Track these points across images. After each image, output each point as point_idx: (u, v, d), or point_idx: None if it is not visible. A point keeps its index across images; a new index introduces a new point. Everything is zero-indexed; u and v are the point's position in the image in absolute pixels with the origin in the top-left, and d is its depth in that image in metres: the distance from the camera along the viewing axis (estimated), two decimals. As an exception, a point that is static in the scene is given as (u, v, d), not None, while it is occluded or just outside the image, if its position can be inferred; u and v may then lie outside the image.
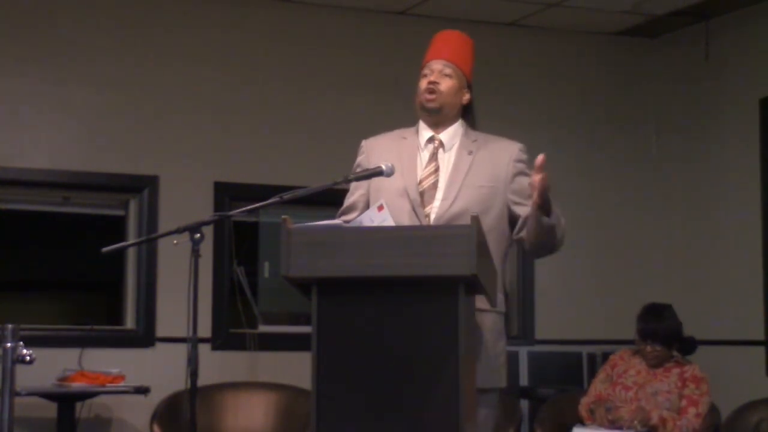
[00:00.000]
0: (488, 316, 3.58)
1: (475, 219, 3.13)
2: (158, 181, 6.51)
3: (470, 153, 3.71)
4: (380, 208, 3.61)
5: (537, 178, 3.39)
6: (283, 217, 3.21)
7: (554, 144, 7.37)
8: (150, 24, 6.60)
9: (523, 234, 3.65)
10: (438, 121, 3.75)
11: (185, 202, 6.46)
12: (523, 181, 3.67)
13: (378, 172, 3.57)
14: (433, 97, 3.71)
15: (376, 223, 3.56)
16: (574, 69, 7.49)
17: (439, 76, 3.72)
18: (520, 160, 3.74)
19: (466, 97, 3.80)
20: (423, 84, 3.74)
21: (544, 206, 3.47)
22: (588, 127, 7.48)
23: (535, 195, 3.43)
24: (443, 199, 3.64)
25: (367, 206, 3.73)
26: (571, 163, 7.38)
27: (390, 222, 3.57)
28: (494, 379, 3.61)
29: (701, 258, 7.18)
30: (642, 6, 6.90)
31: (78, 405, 5.93)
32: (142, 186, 6.49)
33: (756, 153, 6.80)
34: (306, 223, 3.29)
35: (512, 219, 3.70)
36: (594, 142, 7.47)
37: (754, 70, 6.91)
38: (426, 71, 3.76)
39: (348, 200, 3.81)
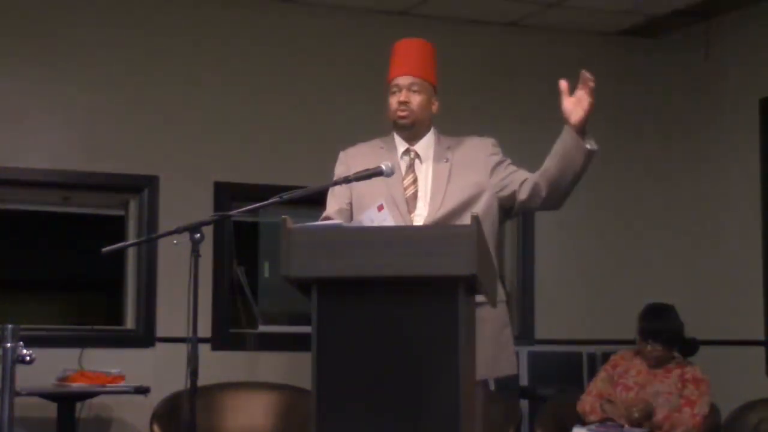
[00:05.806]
0: (490, 307, 3.63)
1: (475, 219, 3.13)
2: (158, 181, 6.51)
3: (447, 160, 3.86)
4: (380, 207, 3.62)
5: (583, 92, 3.76)
6: (283, 217, 3.20)
7: (554, 143, 7.36)
8: (150, 24, 6.60)
9: (536, 179, 3.84)
10: (412, 135, 3.89)
11: (185, 202, 6.45)
12: (501, 169, 3.88)
13: (378, 172, 3.59)
14: (405, 114, 3.85)
15: (376, 223, 3.57)
16: (574, 69, 7.45)
17: (408, 93, 3.84)
18: (494, 153, 3.92)
19: (435, 106, 3.94)
20: (393, 102, 3.87)
21: (584, 125, 3.74)
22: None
23: (580, 112, 3.86)
24: (431, 205, 3.75)
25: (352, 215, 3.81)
26: (571, 163, 7.37)
27: (390, 222, 3.58)
28: (508, 366, 3.80)
29: (701, 258, 7.17)
30: (642, 6, 6.90)
31: (78, 405, 5.92)
32: (142, 186, 6.49)
33: (756, 153, 6.79)
34: (306, 223, 3.28)
35: (505, 204, 3.87)
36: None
37: (754, 70, 6.91)
38: (394, 88, 3.87)
39: (331, 208, 3.86)
